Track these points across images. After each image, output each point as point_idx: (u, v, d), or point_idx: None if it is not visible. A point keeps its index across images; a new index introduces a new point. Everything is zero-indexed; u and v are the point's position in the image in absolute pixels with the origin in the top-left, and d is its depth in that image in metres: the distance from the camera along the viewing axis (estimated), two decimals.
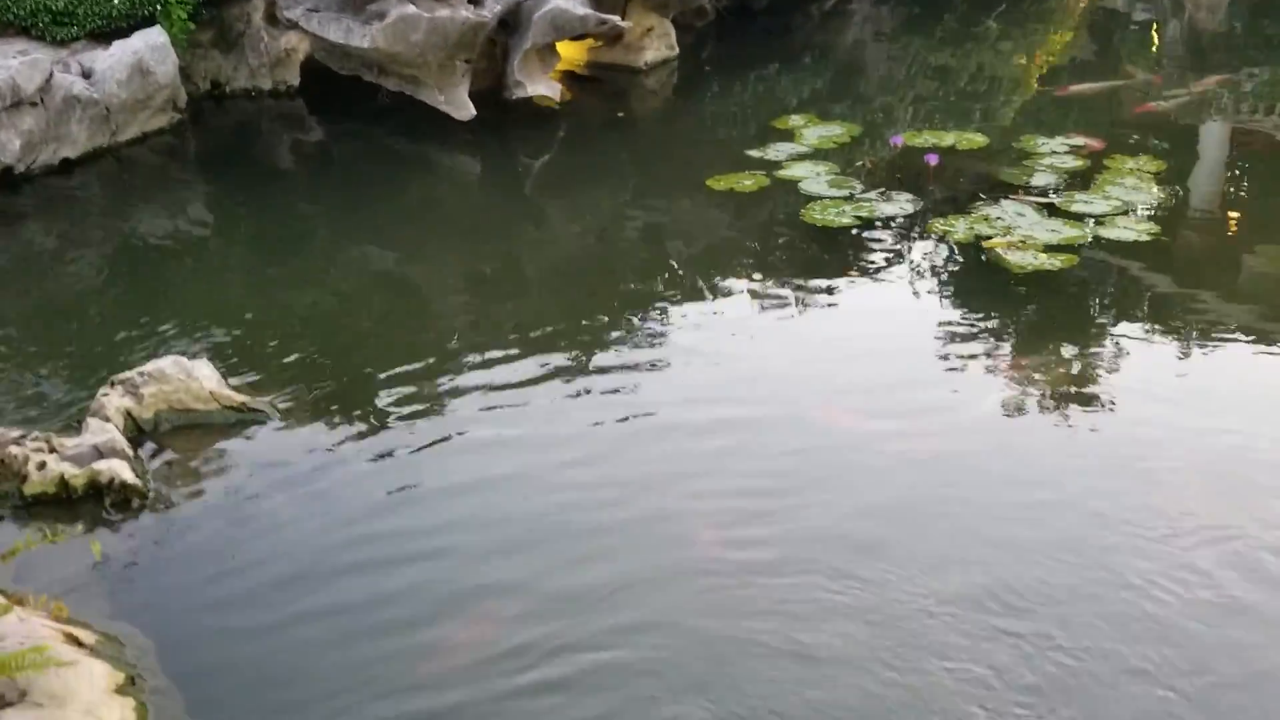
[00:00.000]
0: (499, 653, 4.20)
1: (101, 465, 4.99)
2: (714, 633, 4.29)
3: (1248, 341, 6.39)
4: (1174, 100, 10.31)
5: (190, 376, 5.56)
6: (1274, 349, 6.33)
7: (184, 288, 7.31)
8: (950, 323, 6.65)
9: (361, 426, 5.60)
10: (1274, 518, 4.82)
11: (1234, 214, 7.88)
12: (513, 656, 4.18)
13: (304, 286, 7.30)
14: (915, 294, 7.00)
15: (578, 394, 5.92)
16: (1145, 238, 7.42)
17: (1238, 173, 9.05)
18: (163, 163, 9.12)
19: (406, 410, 5.74)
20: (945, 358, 6.26)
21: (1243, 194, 8.66)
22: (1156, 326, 6.58)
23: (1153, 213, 7.81)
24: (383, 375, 6.06)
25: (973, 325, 6.63)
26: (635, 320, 6.71)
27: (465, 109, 9.55)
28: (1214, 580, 4.47)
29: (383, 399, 5.83)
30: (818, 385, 6.01)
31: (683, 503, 5.05)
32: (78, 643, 4.06)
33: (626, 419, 5.73)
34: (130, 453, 5.17)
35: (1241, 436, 5.43)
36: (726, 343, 6.48)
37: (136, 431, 5.41)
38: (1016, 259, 7.14)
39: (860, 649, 4.16)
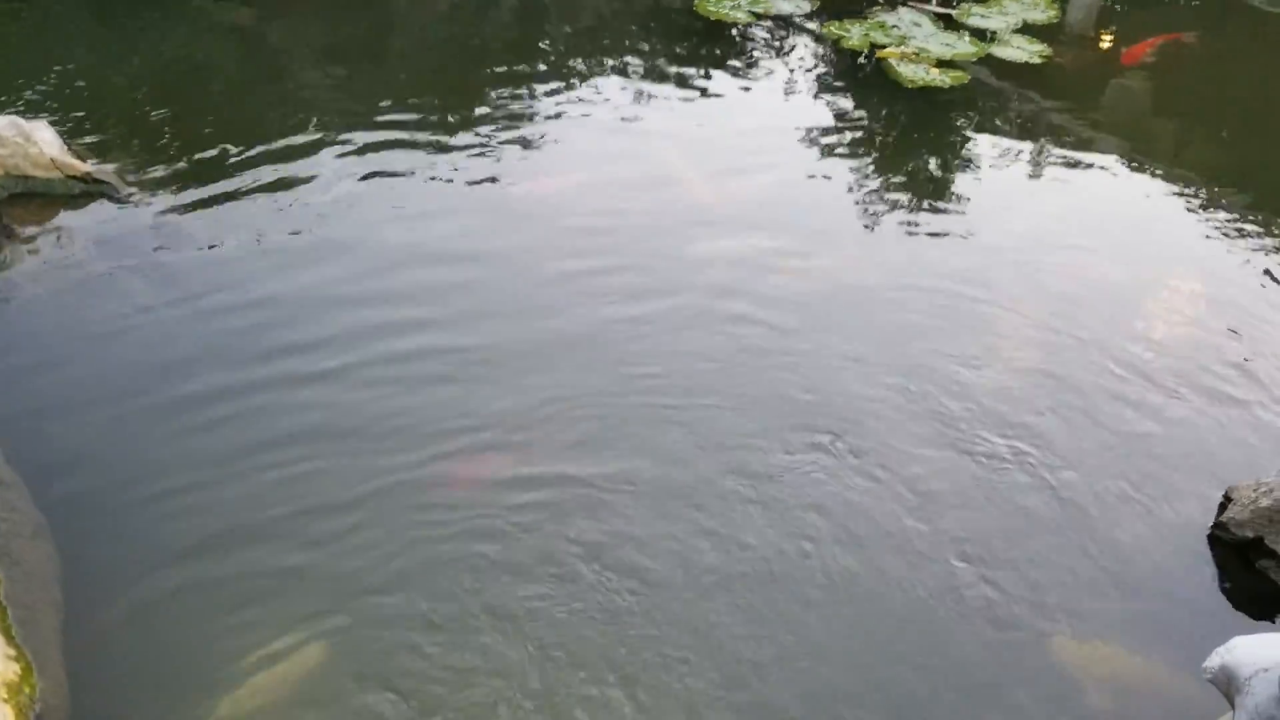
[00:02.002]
0: (361, 379, 4.28)
1: None
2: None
3: (1103, 167, 6.43)
4: None
5: (29, 140, 5.06)
6: (1129, 176, 6.39)
7: (11, 41, 6.59)
8: (829, 129, 6.53)
9: (211, 199, 5.24)
10: (1101, 336, 4.91)
11: (1107, 36, 7.85)
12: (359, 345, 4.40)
13: (149, 46, 6.67)
14: (800, 97, 6.83)
15: (440, 169, 5.67)
16: (1036, 60, 7.35)
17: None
18: None
19: (260, 182, 5.40)
20: (814, 167, 6.13)
21: (1117, 17, 8.61)
22: (1025, 149, 6.56)
23: (1044, 32, 7.73)
24: (235, 144, 5.66)
25: (850, 133, 6.52)
26: (506, 98, 6.40)
27: None
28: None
29: (235, 169, 5.46)
30: (682, 168, 5.89)
31: (540, 262, 5.04)
32: None
33: (489, 193, 5.54)
34: None
35: (1082, 254, 5.49)
36: (600, 126, 6.25)
37: None
38: (908, 72, 7.00)
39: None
